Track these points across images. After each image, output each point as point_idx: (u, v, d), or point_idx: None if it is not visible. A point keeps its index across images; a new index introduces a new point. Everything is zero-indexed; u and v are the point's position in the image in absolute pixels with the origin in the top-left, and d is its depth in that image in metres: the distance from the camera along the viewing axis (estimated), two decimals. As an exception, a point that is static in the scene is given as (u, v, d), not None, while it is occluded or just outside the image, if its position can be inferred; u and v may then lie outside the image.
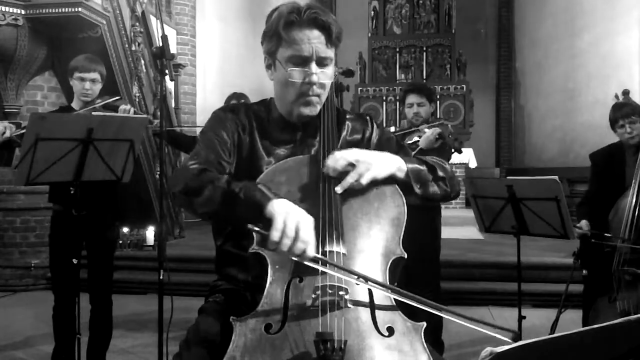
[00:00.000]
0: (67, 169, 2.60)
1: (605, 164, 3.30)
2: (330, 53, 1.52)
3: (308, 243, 1.27)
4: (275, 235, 1.25)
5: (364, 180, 1.41)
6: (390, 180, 1.46)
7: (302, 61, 1.50)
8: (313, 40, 1.48)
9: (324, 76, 1.52)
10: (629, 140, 3.13)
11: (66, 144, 2.53)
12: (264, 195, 1.32)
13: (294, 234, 1.26)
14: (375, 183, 1.43)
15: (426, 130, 3.44)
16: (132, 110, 3.17)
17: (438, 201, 1.60)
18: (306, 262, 1.29)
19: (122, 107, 3.16)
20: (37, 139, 2.44)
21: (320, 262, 1.29)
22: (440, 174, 1.53)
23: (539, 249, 5.50)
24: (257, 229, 1.28)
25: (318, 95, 1.53)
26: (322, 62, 1.51)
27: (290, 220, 1.26)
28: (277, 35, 1.50)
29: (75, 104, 3.18)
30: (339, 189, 1.40)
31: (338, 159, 1.42)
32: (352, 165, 1.41)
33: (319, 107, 1.56)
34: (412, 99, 3.61)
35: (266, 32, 1.55)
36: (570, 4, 10.52)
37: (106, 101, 3.18)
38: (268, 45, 1.55)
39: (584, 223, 3.01)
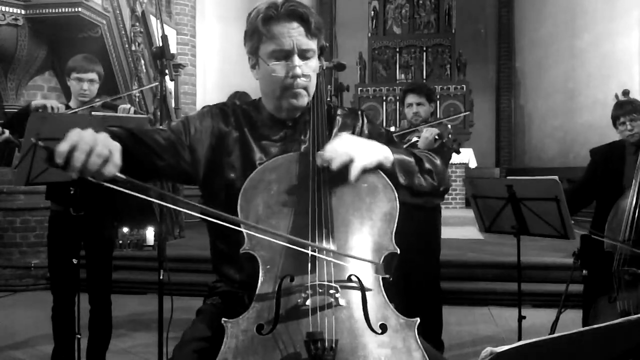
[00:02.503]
0: (67, 169, 2.59)
1: (604, 161, 3.29)
2: (312, 45, 1.52)
3: (108, 160, 1.18)
4: (63, 146, 1.15)
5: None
6: (378, 170, 1.42)
7: (285, 55, 1.50)
8: (293, 32, 1.48)
9: (307, 68, 1.51)
10: (630, 138, 3.13)
11: (66, 144, 2.52)
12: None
13: (89, 148, 1.16)
14: (365, 175, 1.39)
15: (425, 130, 3.43)
16: (132, 109, 3.16)
17: (426, 195, 1.55)
18: (109, 185, 1.20)
19: (122, 106, 3.16)
20: (38, 139, 2.43)
21: (130, 186, 1.20)
22: (427, 166, 1.50)
23: (539, 249, 5.50)
24: (41, 143, 1.17)
25: (305, 87, 1.53)
26: (304, 55, 1.51)
27: (87, 135, 1.18)
28: (257, 32, 1.51)
29: (72, 104, 3.17)
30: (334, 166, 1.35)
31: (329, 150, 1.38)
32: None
33: (307, 99, 1.56)
34: (411, 99, 3.60)
35: (247, 32, 1.55)
36: (570, 4, 10.52)
37: (105, 100, 3.17)
38: (250, 43, 1.55)
39: None
